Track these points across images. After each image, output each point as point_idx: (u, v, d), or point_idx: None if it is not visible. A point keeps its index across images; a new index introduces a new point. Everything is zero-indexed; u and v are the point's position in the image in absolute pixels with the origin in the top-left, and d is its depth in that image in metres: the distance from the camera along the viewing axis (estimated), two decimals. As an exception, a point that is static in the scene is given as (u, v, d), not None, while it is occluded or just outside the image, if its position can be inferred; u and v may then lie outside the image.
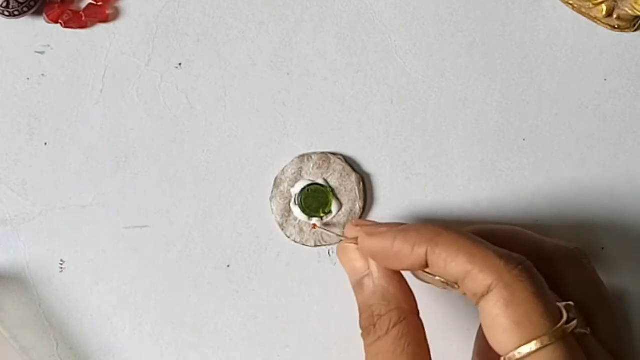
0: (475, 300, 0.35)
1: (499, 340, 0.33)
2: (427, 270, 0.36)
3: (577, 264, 0.41)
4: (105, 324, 0.45)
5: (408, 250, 0.36)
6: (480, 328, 0.37)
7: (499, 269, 0.34)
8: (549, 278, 0.36)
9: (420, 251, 0.36)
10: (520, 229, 0.42)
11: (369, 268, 0.38)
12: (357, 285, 0.39)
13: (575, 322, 0.34)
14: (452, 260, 0.35)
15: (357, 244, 0.39)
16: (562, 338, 0.33)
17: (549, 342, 0.32)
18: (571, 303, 0.36)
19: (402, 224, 0.39)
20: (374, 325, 0.37)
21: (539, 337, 0.32)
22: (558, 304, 0.35)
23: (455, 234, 0.35)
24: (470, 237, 0.36)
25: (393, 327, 0.37)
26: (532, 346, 0.32)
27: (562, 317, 0.34)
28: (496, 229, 0.43)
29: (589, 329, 0.36)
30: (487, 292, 0.34)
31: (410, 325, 0.37)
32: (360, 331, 0.39)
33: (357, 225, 0.40)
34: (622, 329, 0.40)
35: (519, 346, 0.33)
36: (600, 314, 0.38)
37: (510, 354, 0.33)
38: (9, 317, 0.45)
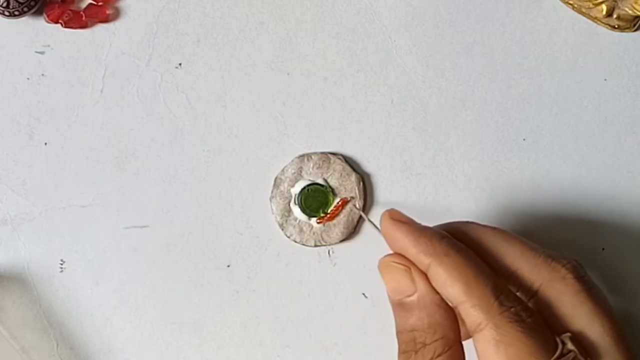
0: (470, 331, 0.34)
1: None
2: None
3: (569, 286, 0.36)
4: (105, 324, 0.45)
5: (412, 253, 0.36)
6: None
7: (490, 309, 0.33)
8: (542, 306, 0.35)
9: (424, 260, 0.35)
10: (509, 238, 0.38)
11: (416, 291, 0.36)
12: (399, 306, 0.37)
13: (571, 354, 0.33)
14: (450, 285, 0.34)
15: (402, 264, 0.37)
16: None
17: None
18: (568, 334, 0.34)
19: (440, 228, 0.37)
20: (416, 352, 0.36)
21: None
22: (557, 337, 0.34)
23: (462, 259, 0.35)
24: (478, 265, 0.35)
25: (437, 357, 0.35)
26: None
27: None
28: (482, 237, 0.38)
29: None
30: (478, 330, 0.33)
31: (455, 355, 0.36)
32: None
33: (393, 219, 0.38)
34: (630, 351, 0.35)
35: None
36: (601, 341, 0.35)
37: None
38: (9, 317, 0.45)
